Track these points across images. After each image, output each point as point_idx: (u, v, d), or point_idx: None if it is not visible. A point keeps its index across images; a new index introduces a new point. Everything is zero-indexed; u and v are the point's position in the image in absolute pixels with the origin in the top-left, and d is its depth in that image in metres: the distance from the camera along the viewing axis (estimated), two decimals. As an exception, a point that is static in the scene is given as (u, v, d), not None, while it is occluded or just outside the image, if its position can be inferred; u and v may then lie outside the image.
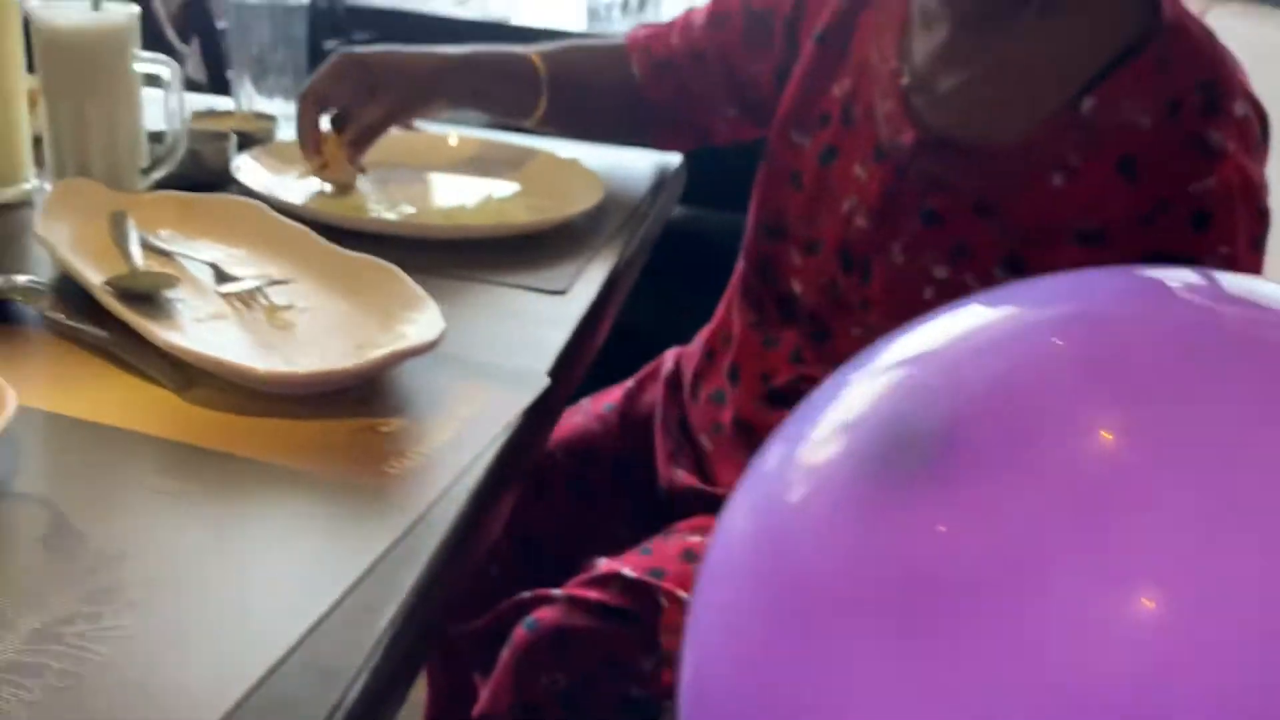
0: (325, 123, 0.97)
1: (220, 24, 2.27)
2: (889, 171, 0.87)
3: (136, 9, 0.87)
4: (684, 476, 1.01)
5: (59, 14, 0.84)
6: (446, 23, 2.25)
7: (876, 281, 0.88)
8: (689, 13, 1.11)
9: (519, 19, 2.31)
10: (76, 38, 0.84)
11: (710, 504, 0.96)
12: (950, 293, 0.83)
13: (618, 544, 1.01)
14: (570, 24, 2.34)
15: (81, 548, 0.49)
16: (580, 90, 1.10)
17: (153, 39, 1.29)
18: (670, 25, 1.11)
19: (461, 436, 0.61)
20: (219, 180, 0.98)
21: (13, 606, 0.44)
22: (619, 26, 2.37)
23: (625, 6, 2.55)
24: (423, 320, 0.68)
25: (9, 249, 0.83)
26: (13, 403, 0.53)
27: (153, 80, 0.89)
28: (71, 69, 0.85)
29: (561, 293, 0.84)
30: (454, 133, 1.16)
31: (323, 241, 0.80)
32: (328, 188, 0.99)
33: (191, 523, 0.51)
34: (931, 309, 0.84)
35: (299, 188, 0.99)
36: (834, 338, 0.92)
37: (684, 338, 1.16)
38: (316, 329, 0.71)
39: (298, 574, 0.49)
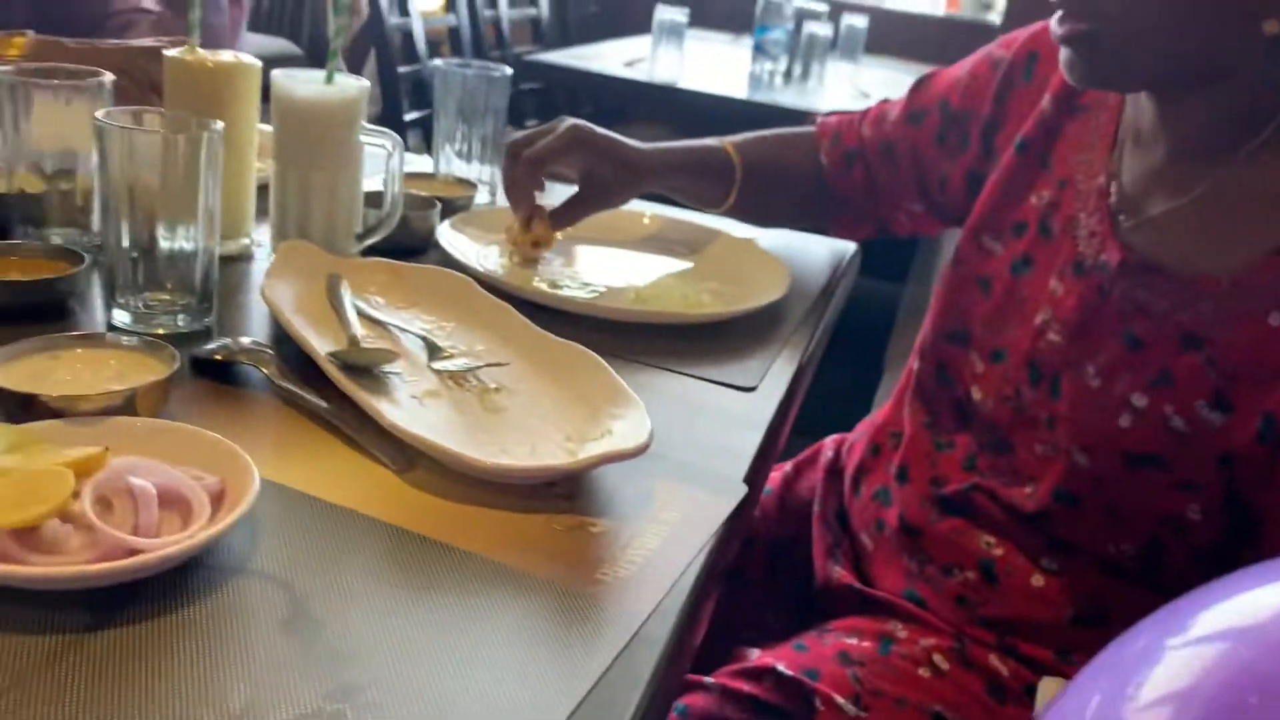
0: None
1: (402, 68, 2.37)
2: (1090, 289, 0.85)
3: (367, 83, 0.91)
4: (841, 574, 0.99)
5: (298, 85, 0.89)
6: (614, 81, 2.30)
7: (1066, 399, 0.85)
8: (883, 104, 1.11)
9: (685, 83, 2.34)
10: (312, 109, 0.89)
11: (867, 605, 0.95)
12: (1148, 423, 0.81)
13: (767, 631, 1.00)
14: (733, 90, 2.37)
15: (318, 637, 0.50)
16: (769, 181, 1.11)
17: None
18: (862, 115, 1.11)
19: (668, 545, 0.61)
20: (421, 245, 1.02)
21: (264, 697, 0.46)
22: (780, 96, 2.38)
23: (787, 75, 2.57)
24: (630, 418, 0.69)
25: (232, 301, 0.87)
26: (256, 482, 0.56)
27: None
28: (304, 138, 0.89)
29: (752, 389, 0.85)
30: (647, 211, 1.18)
31: (527, 322, 0.82)
32: (512, 256, 1.03)
33: (419, 620, 0.53)
34: (1127, 437, 0.82)
35: (494, 258, 1.03)
36: (1014, 451, 0.89)
37: (832, 412, 1.14)
38: (526, 416, 0.72)
39: (527, 686, 0.49)
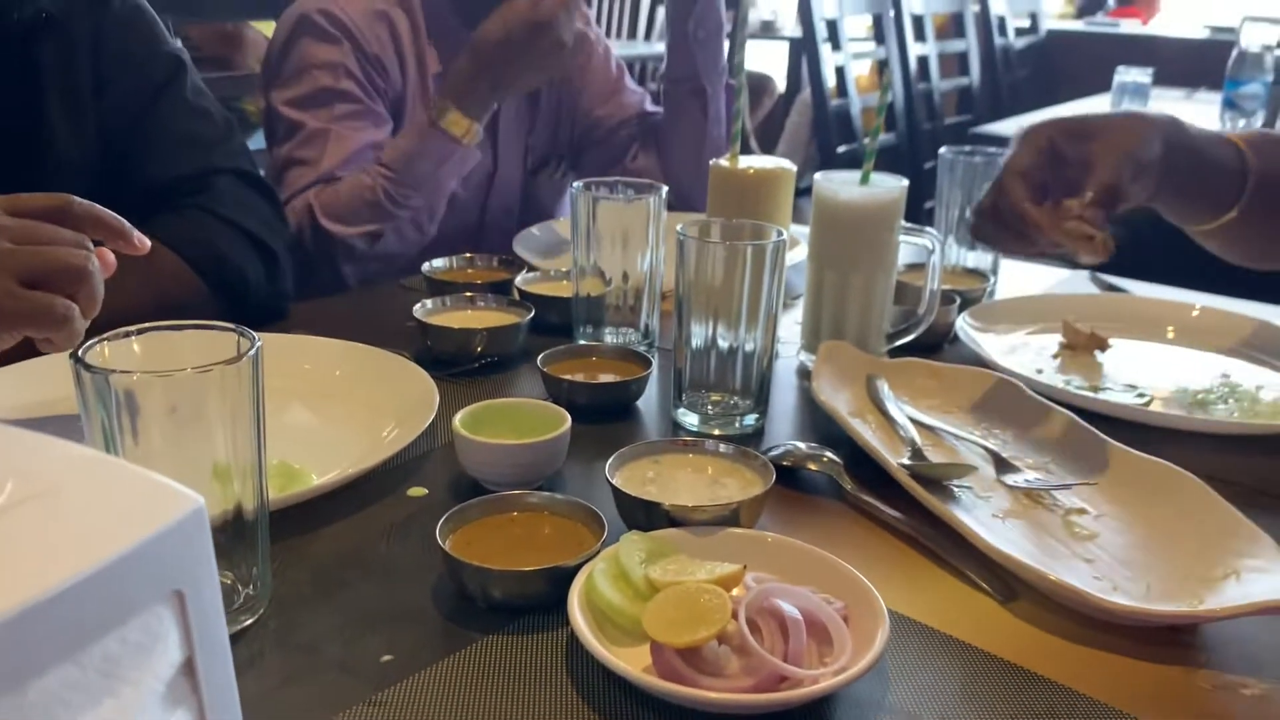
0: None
1: (841, 148, 2.38)
2: None
3: (905, 182, 0.90)
4: None
5: (841, 188, 0.89)
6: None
7: None
8: None
9: None
10: (853, 211, 0.89)
11: None
12: None
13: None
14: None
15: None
16: None
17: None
18: None
19: (1344, 719, 0.53)
20: (938, 342, 0.99)
21: None
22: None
23: (1275, 132, 2.30)
24: (1262, 557, 0.61)
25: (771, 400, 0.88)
26: (885, 614, 0.54)
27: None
28: (845, 240, 0.89)
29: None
30: (1197, 304, 1.07)
31: (1099, 434, 0.76)
32: (1054, 361, 0.97)
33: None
34: None
35: (1024, 356, 0.97)
36: None
37: None
38: (1123, 545, 0.66)
39: None
